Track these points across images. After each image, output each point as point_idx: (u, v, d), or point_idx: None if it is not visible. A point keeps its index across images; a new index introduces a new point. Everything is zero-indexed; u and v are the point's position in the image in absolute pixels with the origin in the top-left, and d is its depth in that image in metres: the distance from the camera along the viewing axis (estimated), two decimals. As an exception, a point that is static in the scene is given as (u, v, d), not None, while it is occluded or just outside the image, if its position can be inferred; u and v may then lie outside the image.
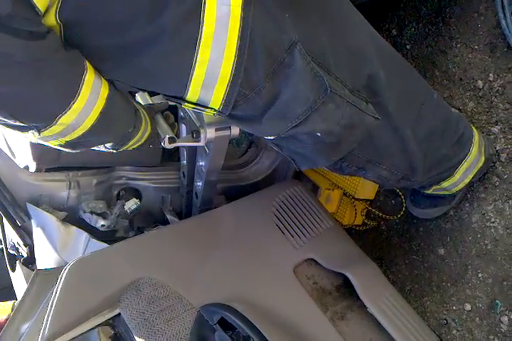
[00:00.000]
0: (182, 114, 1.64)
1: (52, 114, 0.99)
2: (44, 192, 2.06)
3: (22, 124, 0.98)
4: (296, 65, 1.09)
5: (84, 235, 1.87)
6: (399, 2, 2.28)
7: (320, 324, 1.62)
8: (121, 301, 1.38)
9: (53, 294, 1.33)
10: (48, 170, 2.07)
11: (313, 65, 1.11)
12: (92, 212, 2.08)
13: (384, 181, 1.59)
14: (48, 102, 0.98)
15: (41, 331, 1.27)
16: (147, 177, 2.32)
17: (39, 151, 1.96)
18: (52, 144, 1.11)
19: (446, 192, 1.84)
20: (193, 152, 1.87)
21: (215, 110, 1.13)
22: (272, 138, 1.25)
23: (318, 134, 1.20)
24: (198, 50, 1.00)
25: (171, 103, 1.49)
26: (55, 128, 1.02)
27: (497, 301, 1.84)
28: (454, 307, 2.00)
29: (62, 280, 1.36)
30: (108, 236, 2.13)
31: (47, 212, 1.97)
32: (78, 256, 1.82)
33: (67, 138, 1.08)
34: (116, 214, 2.10)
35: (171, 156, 2.40)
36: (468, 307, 1.94)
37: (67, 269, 1.39)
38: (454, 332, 1.98)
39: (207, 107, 1.13)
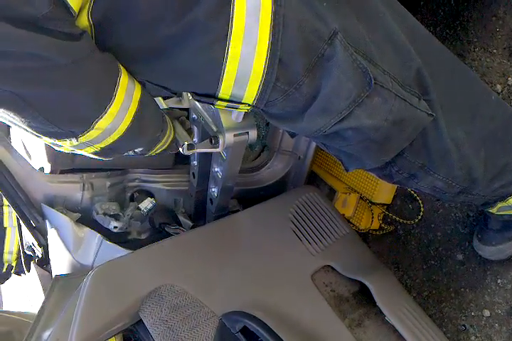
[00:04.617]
0: (195, 116, 1.63)
1: (89, 118, 0.98)
2: (58, 194, 2.06)
3: (60, 130, 0.97)
4: (338, 57, 1.03)
5: (97, 236, 1.87)
6: (416, 6, 2.27)
7: (339, 332, 1.62)
8: (144, 309, 1.37)
9: (77, 302, 1.32)
10: (62, 172, 2.07)
11: (356, 56, 1.05)
12: (105, 214, 2.08)
13: (439, 194, 1.46)
14: (85, 106, 0.96)
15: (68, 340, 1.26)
16: (160, 179, 2.32)
17: (54, 153, 1.97)
18: (87, 152, 1.10)
19: None
20: (204, 153, 1.85)
21: (249, 105, 1.10)
22: (314, 135, 1.19)
23: (365, 130, 1.14)
24: (229, 45, 0.96)
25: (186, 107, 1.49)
26: (92, 133, 1.01)
27: (516, 307, 1.83)
28: (473, 313, 1.98)
29: (85, 288, 1.35)
30: (121, 238, 2.15)
31: (61, 213, 1.97)
32: (91, 257, 1.85)
33: (103, 145, 1.07)
34: (129, 216, 2.11)
35: (184, 159, 2.39)
36: (487, 313, 1.92)
37: (89, 277, 1.38)
38: (473, 338, 1.96)
39: (240, 103, 1.10)
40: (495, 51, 1.97)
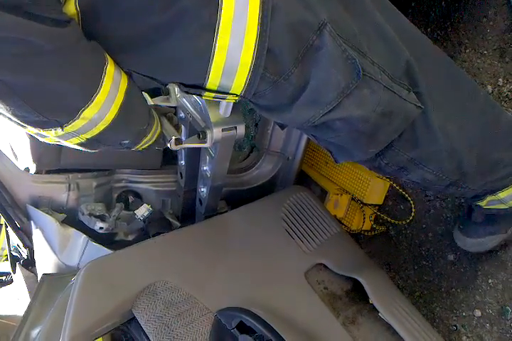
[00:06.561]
0: (182, 114, 1.62)
1: (75, 107, 0.96)
2: (44, 194, 2.03)
3: (44, 119, 0.94)
4: (327, 48, 1.03)
5: (82, 237, 1.85)
6: (407, 7, 2.28)
7: (334, 329, 1.61)
8: (138, 305, 1.34)
9: (69, 299, 1.29)
10: (48, 172, 2.04)
11: (345, 47, 1.05)
12: (90, 215, 2.05)
13: (429, 185, 1.47)
14: (71, 94, 0.94)
15: (61, 337, 1.23)
16: (147, 180, 2.30)
17: (39, 153, 1.94)
18: (73, 143, 1.07)
19: (503, 206, 1.66)
20: (192, 152, 1.85)
21: (237, 95, 1.09)
22: (304, 127, 1.19)
23: (353, 121, 1.14)
24: (217, 35, 0.95)
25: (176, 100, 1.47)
26: (78, 123, 0.98)
27: (507, 307, 1.83)
28: (464, 314, 1.98)
29: (77, 285, 1.32)
30: (107, 239, 2.11)
31: (46, 213, 1.94)
32: (76, 258, 1.82)
33: (89, 135, 1.05)
34: (115, 217, 2.08)
35: (171, 159, 2.37)
36: (478, 313, 1.93)
37: (81, 274, 1.35)
38: (464, 338, 1.96)
39: (228, 93, 1.09)
40: (485, 52, 1.98)
